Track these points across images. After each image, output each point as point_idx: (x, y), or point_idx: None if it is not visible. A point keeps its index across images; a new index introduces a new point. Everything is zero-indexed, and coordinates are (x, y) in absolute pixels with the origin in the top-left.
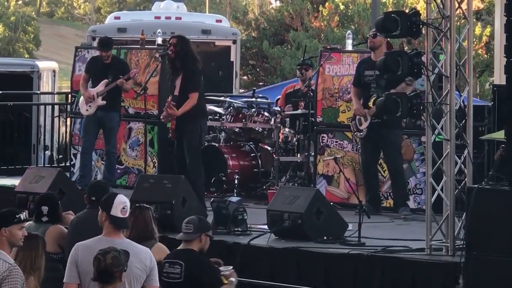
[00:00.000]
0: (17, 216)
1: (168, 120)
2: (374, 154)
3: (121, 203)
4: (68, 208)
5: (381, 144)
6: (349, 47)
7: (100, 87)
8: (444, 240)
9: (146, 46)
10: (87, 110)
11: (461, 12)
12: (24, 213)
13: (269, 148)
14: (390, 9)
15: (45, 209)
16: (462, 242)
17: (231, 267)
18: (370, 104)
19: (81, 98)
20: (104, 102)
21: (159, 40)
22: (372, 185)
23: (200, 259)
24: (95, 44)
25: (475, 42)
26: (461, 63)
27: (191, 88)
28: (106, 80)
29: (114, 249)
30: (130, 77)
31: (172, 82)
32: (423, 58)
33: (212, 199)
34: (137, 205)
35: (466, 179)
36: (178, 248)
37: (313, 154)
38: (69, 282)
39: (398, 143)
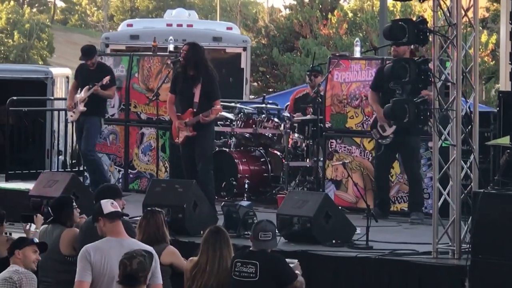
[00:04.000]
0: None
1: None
2: (390, 159)
3: (107, 202)
4: (81, 212)
5: (401, 150)
6: (357, 54)
7: (83, 93)
8: (450, 244)
9: (158, 53)
10: (71, 116)
11: (467, 20)
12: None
13: (278, 153)
14: (398, 17)
15: (58, 211)
16: (468, 245)
17: (296, 260)
18: None
19: None
20: (85, 108)
21: (171, 47)
22: (383, 189)
23: (275, 258)
24: (108, 51)
25: (481, 50)
26: (467, 70)
27: (214, 96)
28: (87, 87)
29: (140, 253)
30: (102, 84)
31: (185, 89)
32: (430, 65)
33: (223, 203)
34: (149, 209)
35: (472, 184)
36: (250, 249)
37: (322, 159)
38: (83, 280)
39: (417, 149)
